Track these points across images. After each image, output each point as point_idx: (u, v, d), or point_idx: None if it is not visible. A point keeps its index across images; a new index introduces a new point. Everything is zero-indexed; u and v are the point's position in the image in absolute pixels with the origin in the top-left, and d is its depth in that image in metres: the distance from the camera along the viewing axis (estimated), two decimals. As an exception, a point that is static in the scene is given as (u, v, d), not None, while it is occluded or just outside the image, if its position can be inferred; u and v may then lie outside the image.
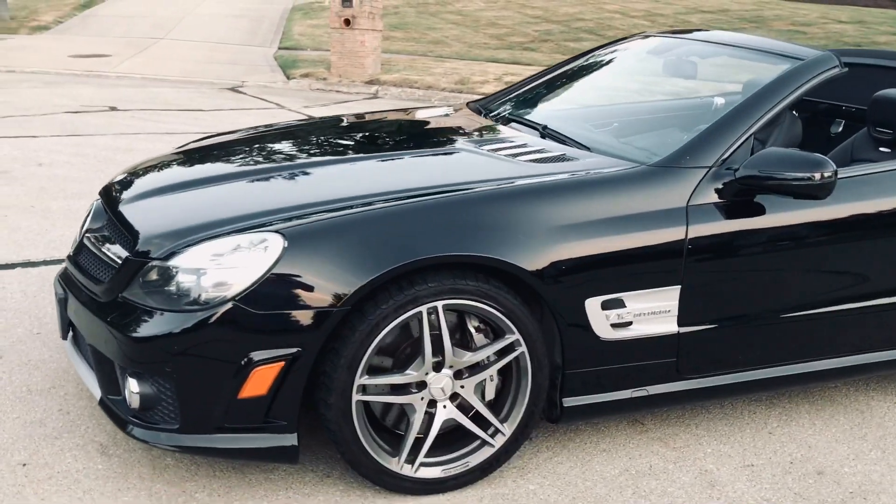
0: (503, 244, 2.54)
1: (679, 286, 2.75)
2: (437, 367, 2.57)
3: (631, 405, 2.85)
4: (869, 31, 16.80)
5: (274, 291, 2.39)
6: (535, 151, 3.07)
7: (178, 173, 3.17)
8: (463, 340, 2.63)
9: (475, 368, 2.62)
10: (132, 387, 2.47)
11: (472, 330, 2.63)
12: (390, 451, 2.60)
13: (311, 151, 3.42)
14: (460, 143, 3.37)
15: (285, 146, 3.48)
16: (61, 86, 10.51)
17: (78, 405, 3.03)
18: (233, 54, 14.46)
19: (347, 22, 11.93)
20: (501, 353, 2.63)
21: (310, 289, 2.40)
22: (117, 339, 2.48)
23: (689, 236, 2.73)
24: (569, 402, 2.75)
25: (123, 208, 2.87)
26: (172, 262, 2.48)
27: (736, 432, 3.10)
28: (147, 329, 2.43)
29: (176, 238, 2.54)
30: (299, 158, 3.26)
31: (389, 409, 2.67)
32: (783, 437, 3.08)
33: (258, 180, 2.96)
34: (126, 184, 3.10)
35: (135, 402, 2.48)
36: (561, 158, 3.00)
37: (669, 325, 2.78)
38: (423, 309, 2.48)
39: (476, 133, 3.47)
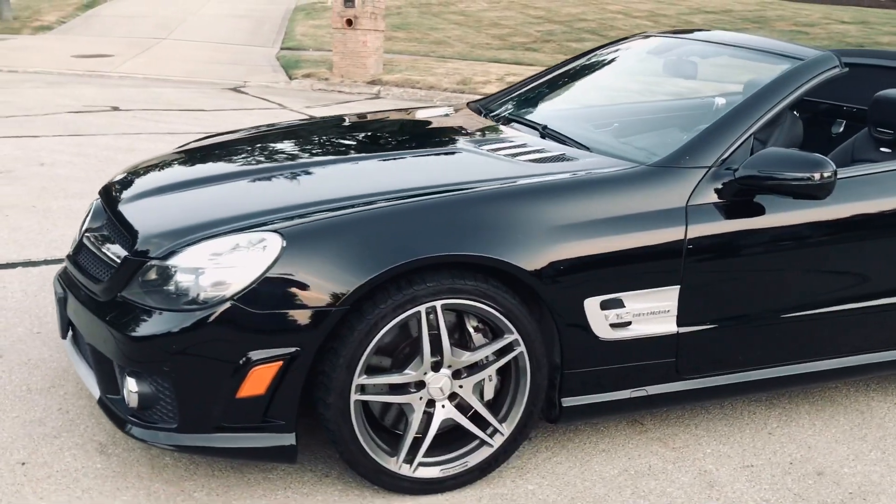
0: (502, 244, 2.54)
1: (678, 286, 2.74)
2: (436, 367, 2.57)
3: (630, 405, 2.85)
4: (872, 31, 16.77)
5: (272, 291, 2.39)
6: (534, 151, 3.06)
7: (177, 173, 3.18)
8: (462, 340, 2.63)
9: (474, 368, 2.62)
10: (131, 386, 2.47)
11: (471, 330, 2.63)
12: (389, 451, 2.60)
13: (311, 151, 3.42)
14: (460, 142, 3.37)
15: (284, 146, 3.48)
16: (64, 86, 10.53)
17: (77, 404, 3.03)
18: (235, 54, 14.47)
19: (349, 22, 11.93)
20: (500, 353, 2.63)
21: (308, 288, 2.40)
22: (116, 338, 2.48)
23: (689, 236, 2.73)
24: (568, 402, 2.75)
25: (123, 208, 2.87)
26: (171, 262, 2.48)
27: (735, 433, 3.10)
28: (145, 328, 2.44)
29: (175, 237, 2.54)
30: (298, 158, 3.26)
31: (388, 408, 2.67)
32: (783, 438, 3.08)
33: (257, 180, 2.96)
34: (125, 183, 3.10)
35: (133, 401, 2.48)
36: (560, 158, 3.00)
37: (668, 326, 2.77)
38: (422, 309, 2.48)
39: (476, 133, 3.47)
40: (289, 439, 2.47)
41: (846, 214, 2.99)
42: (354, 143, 3.59)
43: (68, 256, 3.00)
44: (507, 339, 2.60)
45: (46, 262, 4.34)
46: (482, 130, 3.50)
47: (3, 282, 4.07)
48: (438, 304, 2.49)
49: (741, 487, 2.77)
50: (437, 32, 16.57)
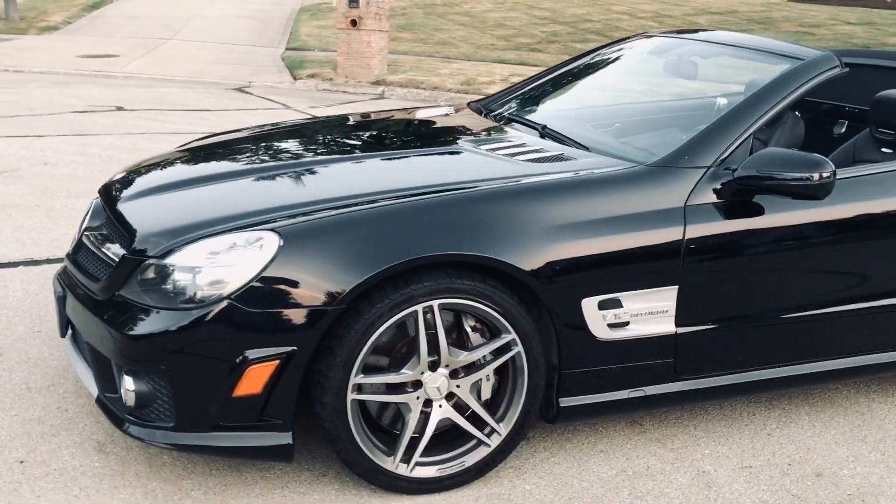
0: (499, 243, 2.54)
1: (676, 286, 2.74)
2: (433, 367, 2.57)
3: (628, 406, 2.84)
4: (878, 32, 16.72)
5: (269, 290, 2.39)
6: (533, 151, 3.06)
7: (176, 172, 3.18)
8: (459, 340, 2.63)
9: (471, 368, 2.62)
10: (128, 384, 2.48)
11: (469, 329, 2.63)
12: (386, 451, 2.60)
13: (309, 151, 3.42)
14: (459, 142, 3.36)
15: (283, 145, 3.48)
16: (69, 86, 10.56)
17: (76, 403, 3.04)
18: (240, 55, 14.50)
19: (354, 23, 11.94)
20: (497, 353, 2.63)
21: (305, 287, 2.40)
22: (113, 336, 2.48)
23: (687, 236, 2.72)
24: (565, 402, 2.75)
25: (122, 206, 2.88)
26: (169, 261, 2.48)
27: (734, 433, 3.09)
28: (143, 327, 2.44)
29: (173, 236, 2.54)
30: (296, 157, 3.26)
31: (385, 408, 2.67)
32: (782, 439, 3.07)
33: (255, 179, 2.96)
34: (125, 182, 3.11)
35: (130, 399, 2.49)
36: (559, 158, 3.00)
37: (667, 326, 2.77)
38: (419, 308, 2.47)
39: (475, 133, 3.47)
40: (285, 438, 2.47)
41: (846, 215, 2.98)
42: (353, 142, 3.59)
43: (68, 255, 3.00)
44: (505, 338, 2.60)
45: (48, 261, 4.35)
46: (482, 130, 3.49)
47: (5, 280, 4.08)
48: (435, 303, 2.49)
49: (739, 488, 2.76)
50: (441, 33, 16.58)
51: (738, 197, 2.81)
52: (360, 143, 3.58)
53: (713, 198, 2.78)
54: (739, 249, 2.83)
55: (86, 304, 2.66)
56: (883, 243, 3.05)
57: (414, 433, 2.60)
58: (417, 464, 2.61)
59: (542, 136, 3.23)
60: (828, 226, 2.95)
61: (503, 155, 3.04)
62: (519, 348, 2.61)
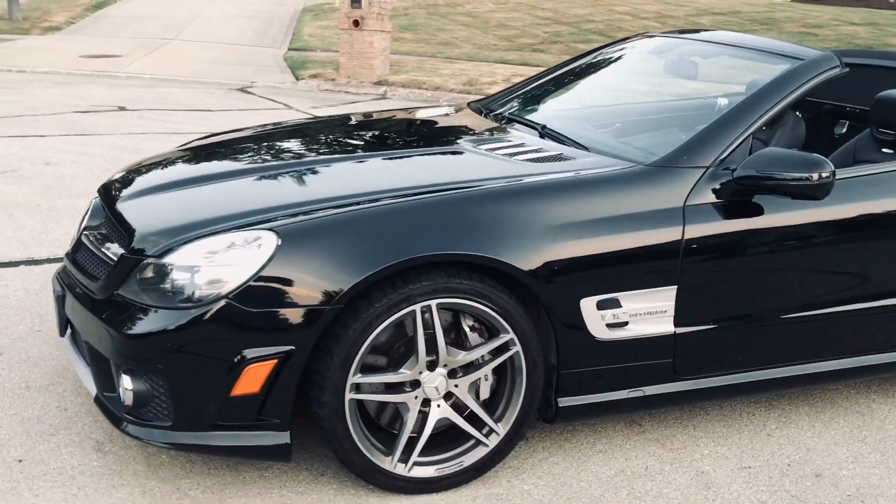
0: (498, 243, 2.53)
1: (675, 286, 2.73)
2: (431, 366, 2.57)
3: (627, 406, 2.84)
4: (881, 32, 16.70)
5: (267, 289, 2.39)
6: (532, 151, 3.06)
7: (176, 171, 3.18)
8: (457, 339, 2.62)
9: (469, 367, 2.62)
10: (126, 384, 2.48)
11: (467, 329, 2.62)
12: (384, 450, 2.59)
13: (308, 150, 3.43)
14: (458, 142, 3.36)
15: (283, 145, 3.48)
16: (72, 86, 10.58)
17: (76, 402, 3.04)
18: (242, 55, 14.52)
19: (356, 23, 11.95)
20: (496, 353, 2.63)
21: (303, 286, 2.39)
22: (112, 336, 2.48)
23: (686, 236, 2.72)
24: (564, 402, 2.74)
25: (121, 206, 2.88)
26: (167, 260, 2.48)
27: (734, 434, 3.09)
28: (141, 326, 2.44)
29: (171, 235, 2.54)
30: (297, 157, 3.26)
31: (383, 407, 2.67)
32: (781, 440, 3.06)
33: (255, 178, 2.96)
34: (124, 181, 3.11)
35: (129, 398, 2.49)
36: (558, 158, 2.99)
37: (666, 326, 2.76)
38: (417, 307, 2.47)
39: (475, 132, 3.47)
40: (283, 438, 2.47)
41: (847, 215, 2.97)
42: (352, 142, 3.59)
43: (67, 255, 3.01)
44: (503, 338, 2.59)
45: (49, 261, 4.35)
46: (481, 130, 3.49)
47: (6, 280, 4.09)
48: (434, 303, 2.48)
49: (738, 489, 2.76)
50: (444, 33, 16.58)
51: (738, 197, 2.80)
52: (358, 143, 3.58)
53: (712, 198, 2.78)
54: (739, 249, 2.82)
55: (84, 304, 2.66)
56: (883, 243, 3.05)
57: (412, 433, 2.60)
58: (415, 463, 2.60)
59: (542, 136, 3.23)
60: (828, 226, 2.94)
61: (502, 155, 3.04)
62: (517, 348, 2.61)
